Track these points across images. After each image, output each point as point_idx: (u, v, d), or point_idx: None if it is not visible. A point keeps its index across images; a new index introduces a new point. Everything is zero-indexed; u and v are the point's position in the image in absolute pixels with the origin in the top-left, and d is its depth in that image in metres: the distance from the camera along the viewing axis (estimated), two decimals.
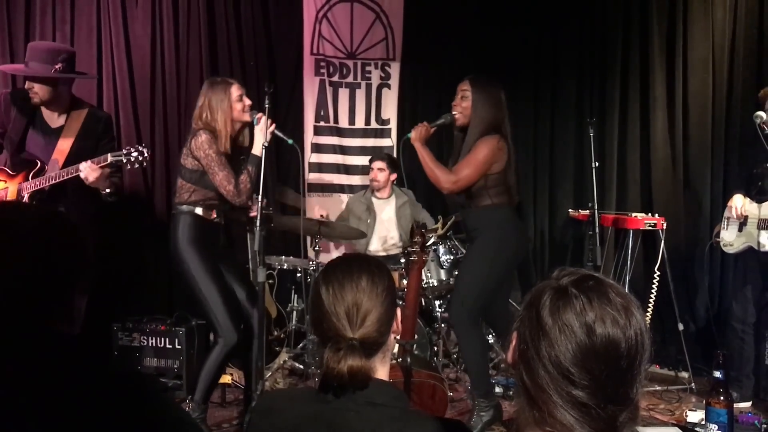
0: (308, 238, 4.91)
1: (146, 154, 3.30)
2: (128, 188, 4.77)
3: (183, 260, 3.26)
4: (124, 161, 3.28)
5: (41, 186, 3.37)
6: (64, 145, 3.46)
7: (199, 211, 3.31)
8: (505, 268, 3.53)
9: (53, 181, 3.35)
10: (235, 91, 3.33)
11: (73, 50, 3.76)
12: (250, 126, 3.40)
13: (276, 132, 3.32)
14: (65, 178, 3.33)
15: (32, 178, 3.39)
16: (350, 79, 5.49)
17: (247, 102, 3.37)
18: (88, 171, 3.26)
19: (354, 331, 1.42)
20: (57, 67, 3.41)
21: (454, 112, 3.52)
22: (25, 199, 3.38)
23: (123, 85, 4.80)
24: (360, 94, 5.50)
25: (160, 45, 4.92)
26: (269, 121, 3.29)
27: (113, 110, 4.76)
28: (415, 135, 3.49)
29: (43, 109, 3.49)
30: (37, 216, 1.27)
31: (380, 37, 5.47)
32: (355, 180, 5.48)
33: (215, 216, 3.36)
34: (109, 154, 3.29)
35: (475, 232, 3.52)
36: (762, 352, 4.08)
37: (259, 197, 3.14)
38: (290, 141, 3.37)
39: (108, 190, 3.41)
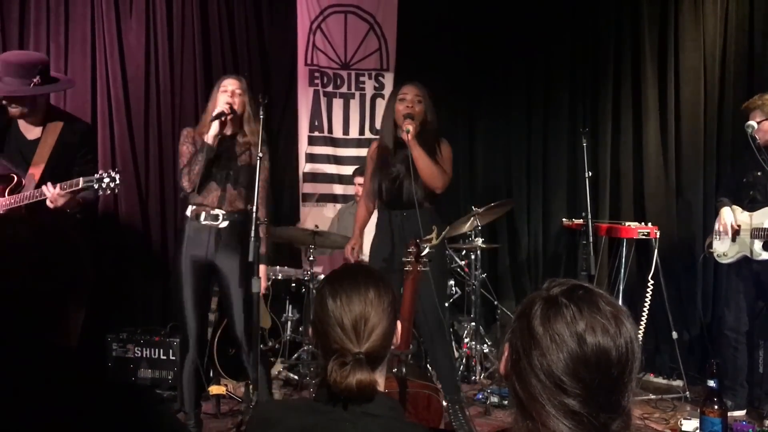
0: (302, 248, 4.91)
1: (118, 180, 3.15)
2: (122, 198, 4.77)
3: (174, 264, 3.41)
4: (96, 187, 3.14)
5: (16, 204, 3.22)
6: (40, 158, 3.33)
7: (188, 212, 3.41)
8: None
9: (26, 201, 3.21)
10: (224, 82, 3.45)
11: (47, 59, 3.65)
12: (239, 120, 3.45)
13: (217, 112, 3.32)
14: (36, 199, 3.18)
15: (9, 194, 3.25)
16: (344, 89, 5.51)
17: (228, 96, 3.37)
18: (55, 197, 3.12)
19: (361, 344, 1.40)
20: (35, 80, 3.26)
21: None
22: None
23: (117, 95, 4.80)
24: (354, 104, 5.52)
25: (155, 56, 4.93)
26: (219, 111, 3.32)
27: (107, 121, 4.77)
28: (413, 131, 3.42)
29: (20, 121, 3.38)
30: (34, 229, 1.27)
31: (374, 48, 5.49)
32: (350, 190, 5.47)
33: (204, 219, 3.37)
34: (81, 179, 3.13)
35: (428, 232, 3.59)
36: (756, 361, 4.10)
37: (254, 208, 3.14)
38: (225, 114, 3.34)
39: (71, 210, 3.28)
